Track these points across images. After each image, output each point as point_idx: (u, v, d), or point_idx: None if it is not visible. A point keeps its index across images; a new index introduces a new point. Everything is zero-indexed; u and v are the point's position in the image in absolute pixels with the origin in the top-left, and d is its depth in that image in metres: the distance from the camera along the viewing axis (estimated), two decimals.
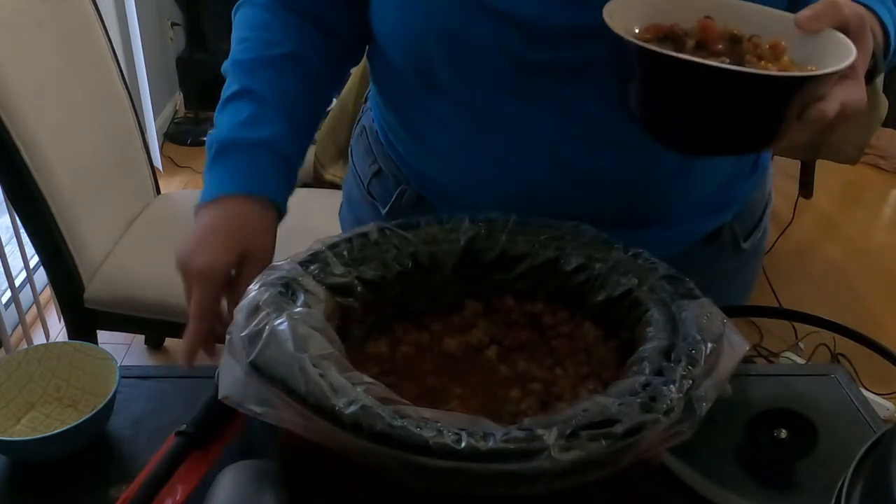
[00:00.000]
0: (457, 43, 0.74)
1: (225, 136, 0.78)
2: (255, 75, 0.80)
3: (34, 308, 2.23)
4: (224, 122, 0.79)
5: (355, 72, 2.27)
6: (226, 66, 0.82)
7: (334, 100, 2.43)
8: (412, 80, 0.81)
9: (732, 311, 0.62)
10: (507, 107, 0.76)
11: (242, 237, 0.74)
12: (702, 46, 0.64)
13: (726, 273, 0.94)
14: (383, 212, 0.93)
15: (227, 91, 0.81)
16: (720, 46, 0.64)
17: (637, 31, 0.64)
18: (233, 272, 0.74)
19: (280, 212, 0.80)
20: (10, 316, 2.15)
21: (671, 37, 0.64)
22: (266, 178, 0.78)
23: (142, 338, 2.30)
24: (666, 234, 0.86)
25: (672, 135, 0.65)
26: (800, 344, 2.37)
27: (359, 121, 1.01)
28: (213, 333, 0.74)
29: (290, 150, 0.80)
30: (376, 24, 0.81)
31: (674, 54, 0.59)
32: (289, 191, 0.81)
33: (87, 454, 0.74)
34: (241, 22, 0.84)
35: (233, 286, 0.74)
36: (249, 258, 0.74)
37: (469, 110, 0.79)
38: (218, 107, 0.81)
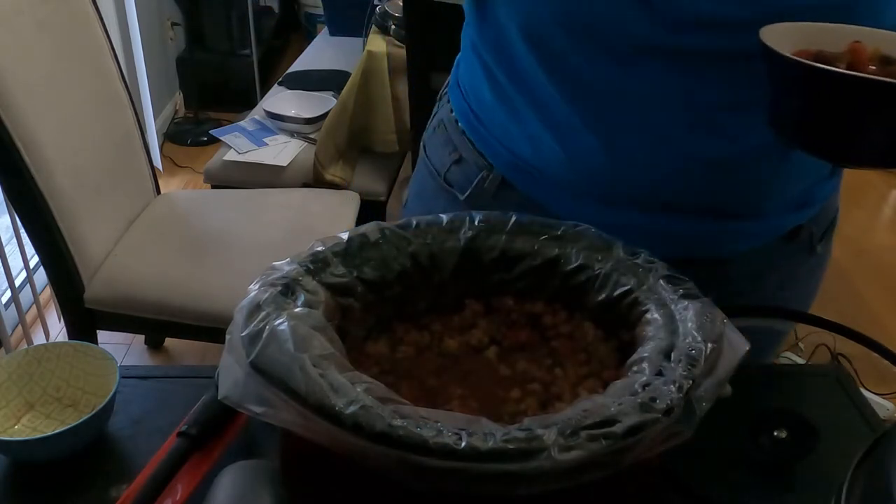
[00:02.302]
0: (579, 19, 0.74)
1: None
2: None
3: (34, 308, 2.24)
4: None
5: (355, 72, 2.27)
6: None
7: (334, 100, 2.43)
8: (523, 55, 0.81)
9: (732, 311, 0.62)
10: (618, 85, 0.77)
11: None
12: (852, 69, 0.66)
13: (798, 275, 0.94)
14: (462, 198, 0.94)
15: None
16: (872, 67, 0.66)
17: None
18: None
19: None
20: (10, 316, 2.15)
21: (820, 60, 0.66)
22: None
23: (142, 338, 2.30)
24: (754, 227, 0.86)
25: (827, 148, 0.67)
26: (800, 344, 2.37)
27: (434, 115, 1.02)
28: None
29: None
30: None
31: (839, 70, 0.62)
32: None
33: (87, 454, 0.74)
34: None
35: None
36: None
37: (578, 86, 0.79)
38: None
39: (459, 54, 0.96)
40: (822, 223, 0.93)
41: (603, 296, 0.66)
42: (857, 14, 0.70)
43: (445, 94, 1.00)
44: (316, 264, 0.64)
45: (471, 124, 0.92)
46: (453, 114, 0.95)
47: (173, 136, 3.35)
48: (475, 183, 0.92)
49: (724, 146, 0.77)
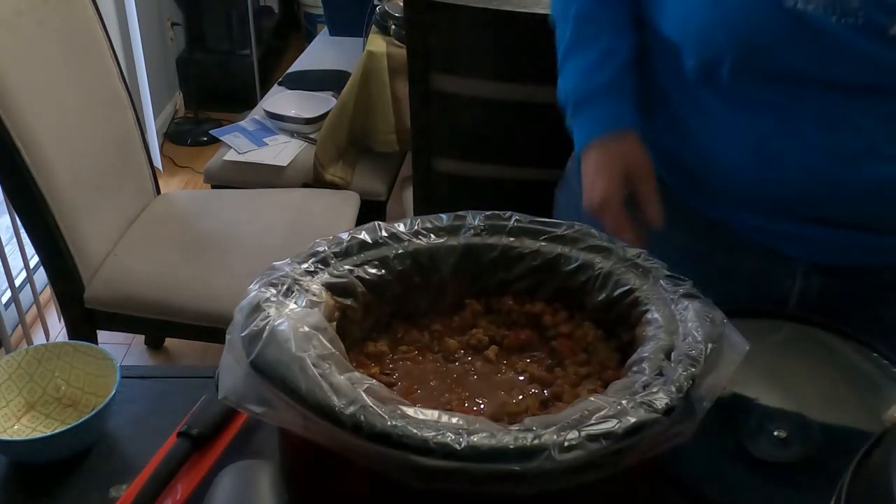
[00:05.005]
0: (744, 38, 0.76)
1: (580, 88, 0.91)
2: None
3: (34, 308, 2.23)
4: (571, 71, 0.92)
5: (355, 72, 2.27)
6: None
7: (334, 100, 2.43)
8: (688, 69, 0.82)
9: (732, 312, 0.62)
10: (776, 106, 0.78)
11: (624, 167, 0.89)
12: None
13: None
14: None
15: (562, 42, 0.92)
16: None
17: None
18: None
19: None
20: (10, 316, 2.15)
21: None
22: (625, 113, 0.90)
23: (142, 338, 2.30)
24: None
25: None
26: None
27: None
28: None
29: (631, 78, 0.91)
30: (660, 17, 0.84)
31: None
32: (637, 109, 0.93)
33: (87, 454, 0.74)
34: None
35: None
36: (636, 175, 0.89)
37: (739, 105, 0.80)
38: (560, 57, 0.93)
39: None
40: None
41: (603, 296, 0.66)
42: None
43: None
44: (316, 264, 0.64)
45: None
46: None
47: (173, 136, 3.34)
48: None
49: (882, 170, 0.77)
